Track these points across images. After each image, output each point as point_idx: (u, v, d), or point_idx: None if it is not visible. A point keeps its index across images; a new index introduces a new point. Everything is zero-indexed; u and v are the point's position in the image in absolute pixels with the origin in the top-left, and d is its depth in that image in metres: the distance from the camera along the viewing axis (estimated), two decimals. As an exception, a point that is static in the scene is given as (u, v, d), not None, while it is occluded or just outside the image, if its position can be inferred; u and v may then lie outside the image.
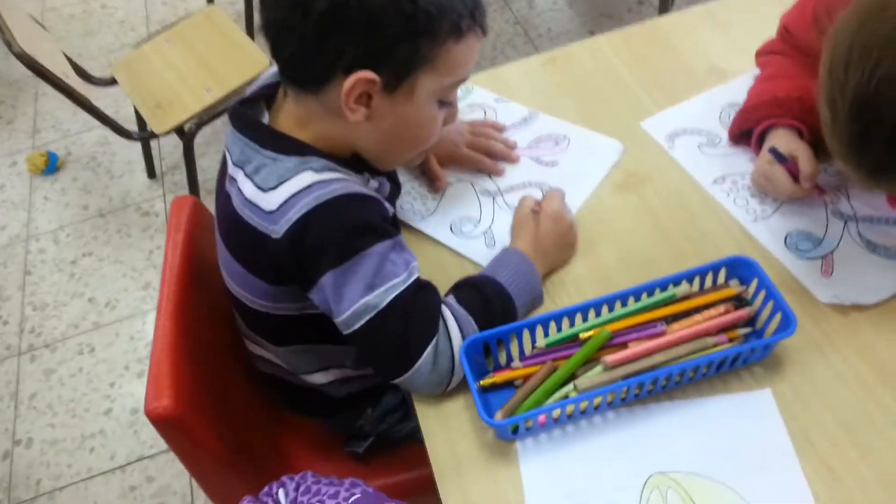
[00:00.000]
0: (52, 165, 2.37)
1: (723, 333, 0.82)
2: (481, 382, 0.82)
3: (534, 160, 1.08)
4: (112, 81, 1.99)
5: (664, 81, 1.15)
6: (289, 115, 0.87)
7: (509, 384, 0.83)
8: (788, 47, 1.05)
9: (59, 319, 2.02)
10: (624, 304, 0.84)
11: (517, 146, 1.10)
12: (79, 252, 2.17)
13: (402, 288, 0.82)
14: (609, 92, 1.15)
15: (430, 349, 0.81)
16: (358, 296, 0.81)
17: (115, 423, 1.78)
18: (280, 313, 0.92)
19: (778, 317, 0.81)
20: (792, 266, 0.90)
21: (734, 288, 0.85)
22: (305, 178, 0.81)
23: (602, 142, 1.08)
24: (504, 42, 2.55)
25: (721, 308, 0.83)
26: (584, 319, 0.84)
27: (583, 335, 0.82)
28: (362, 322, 0.81)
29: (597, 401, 0.78)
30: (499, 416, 0.78)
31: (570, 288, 0.93)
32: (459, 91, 1.09)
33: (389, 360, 0.83)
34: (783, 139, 0.96)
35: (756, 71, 1.10)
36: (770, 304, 0.82)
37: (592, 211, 1.01)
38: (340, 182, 0.82)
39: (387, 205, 0.87)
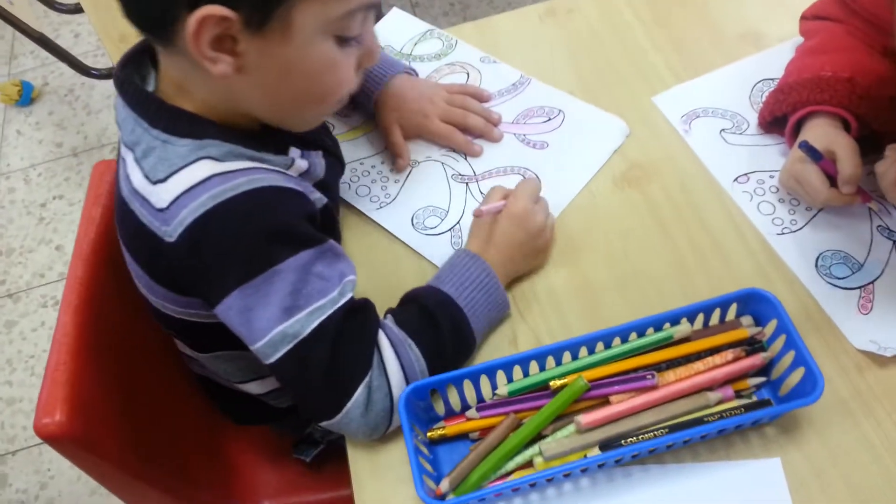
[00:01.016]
0: (26, 96, 2.20)
1: (728, 385, 0.66)
2: (429, 434, 0.67)
3: (519, 139, 0.90)
4: (78, 9, 1.80)
5: (686, 46, 0.95)
6: (167, 78, 0.68)
7: (464, 437, 0.68)
8: (845, 11, 0.85)
9: (24, 267, 1.89)
10: (607, 346, 0.67)
11: (501, 121, 0.92)
12: (49, 194, 2.02)
13: (331, 311, 0.65)
14: (618, 55, 0.96)
15: (361, 388, 0.66)
16: (272, 322, 0.64)
17: (74, 385, 1.67)
18: (194, 319, 0.75)
19: (800, 372, 0.64)
20: (821, 296, 0.73)
21: (747, 329, 0.68)
22: (201, 168, 0.63)
23: (603, 120, 0.90)
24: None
25: (728, 354, 0.67)
26: (558, 362, 0.67)
27: (554, 383, 0.66)
28: (280, 354, 0.65)
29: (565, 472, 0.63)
30: (444, 484, 0.63)
31: (544, 304, 0.76)
32: (439, 45, 0.89)
33: (314, 400, 0.67)
34: (822, 130, 0.78)
35: (800, 39, 0.90)
36: (791, 354, 0.65)
37: (582, 208, 0.83)
38: (247, 174, 0.64)
39: (314, 196, 0.70)
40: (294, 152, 0.73)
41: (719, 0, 0.99)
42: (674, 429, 0.63)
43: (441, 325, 0.70)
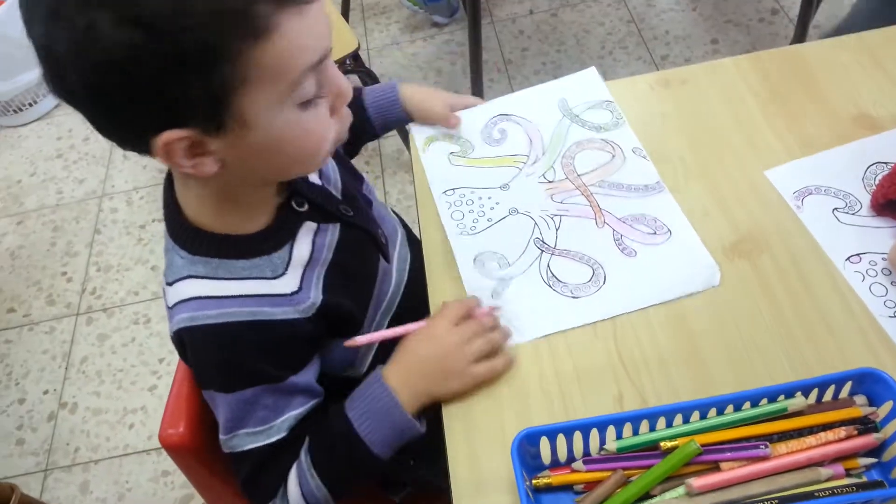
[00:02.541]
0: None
1: (839, 463, 0.66)
2: (533, 481, 0.68)
3: (615, 238, 0.89)
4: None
5: (800, 124, 0.97)
6: (177, 175, 0.74)
7: (568, 488, 0.69)
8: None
9: (119, 284, 1.98)
10: (720, 412, 0.68)
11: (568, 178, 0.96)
12: (149, 217, 2.13)
13: (263, 443, 0.75)
14: (731, 127, 0.98)
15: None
16: (221, 427, 0.76)
17: (157, 401, 1.73)
18: None
19: (916, 457, 0.64)
20: (938, 384, 0.73)
21: (860, 408, 0.68)
22: (186, 288, 0.72)
23: (702, 261, 0.85)
24: (614, 42, 2.35)
25: (841, 431, 0.67)
26: (668, 424, 0.69)
27: (664, 444, 0.67)
28: (223, 449, 0.77)
29: (672, 531, 0.64)
30: (549, 532, 0.64)
31: (653, 370, 0.78)
32: (608, 118, 0.99)
33: (238, 488, 0.79)
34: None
35: (916, 126, 0.91)
36: (907, 439, 0.65)
37: (693, 276, 0.85)
38: (222, 305, 0.71)
39: (307, 304, 0.76)
40: (304, 235, 0.77)
41: (835, 81, 1.01)
42: (784, 500, 0.63)
43: (341, 459, 0.76)
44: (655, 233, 0.89)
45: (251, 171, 0.68)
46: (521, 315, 0.83)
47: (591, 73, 1.08)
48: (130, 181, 2.22)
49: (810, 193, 0.90)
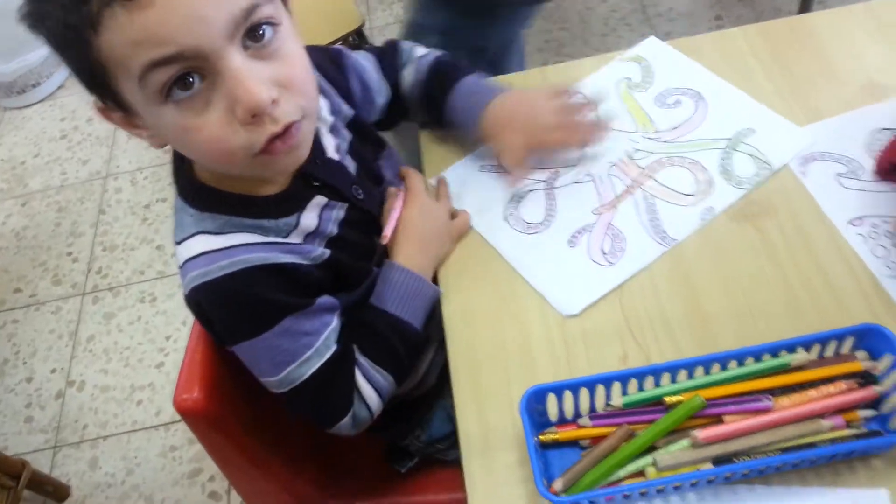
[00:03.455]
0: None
1: (839, 415, 0.68)
2: (541, 437, 0.70)
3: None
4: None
5: (807, 93, 0.97)
6: None
7: (574, 443, 0.71)
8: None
9: (125, 263, 1.99)
10: (724, 368, 0.70)
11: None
12: (153, 196, 2.14)
13: (318, 364, 0.77)
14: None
15: (347, 418, 0.81)
16: (268, 373, 0.77)
17: (165, 378, 1.75)
18: None
19: (916, 408, 0.65)
20: (937, 340, 0.74)
21: (861, 362, 0.69)
22: (196, 244, 0.73)
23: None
24: (618, 19, 2.35)
25: (842, 384, 0.68)
26: (673, 381, 0.70)
27: (669, 399, 0.68)
28: (280, 392, 0.78)
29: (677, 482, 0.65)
30: (558, 484, 0.65)
31: (658, 330, 0.79)
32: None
33: (310, 420, 0.82)
34: (944, 181, 0.79)
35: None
36: (906, 391, 0.66)
37: (697, 239, 0.86)
38: (231, 254, 0.72)
39: (314, 254, 0.78)
40: (312, 207, 0.79)
41: (843, 50, 1.01)
42: (786, 451, 0.65)
43: (396, 347, 0.82)
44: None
45: (196, 158, 0.73)
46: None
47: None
48: (134, 161, 2.23)
49: (815, 160, 0.91)
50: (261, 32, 0.64)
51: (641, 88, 1.01)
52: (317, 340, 0.76)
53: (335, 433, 0.82)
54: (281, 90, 0.65)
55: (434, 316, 0.85)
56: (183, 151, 0.72)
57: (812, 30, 1.05)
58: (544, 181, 0.94)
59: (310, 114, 0.70)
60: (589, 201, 0.91)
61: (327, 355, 0.77)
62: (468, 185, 0.95)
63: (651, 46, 1.06)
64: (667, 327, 0.79)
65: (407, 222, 0.86)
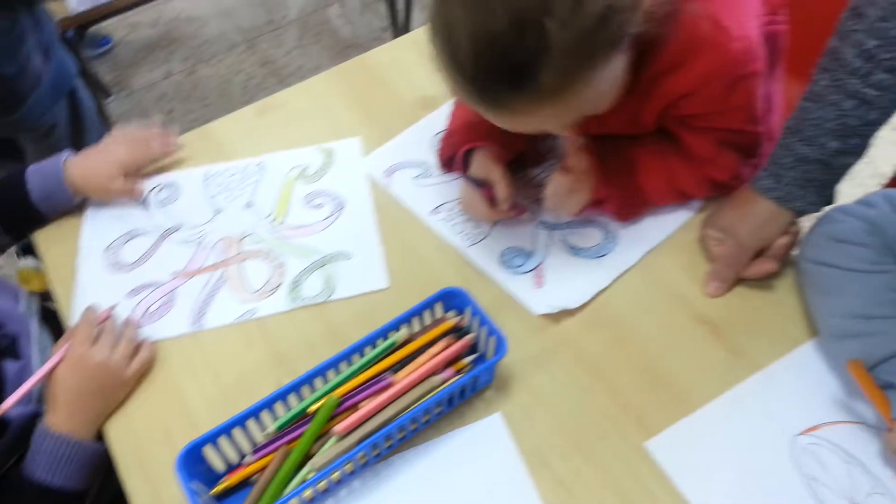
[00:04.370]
0: None
1: (450, 367, 0.83)
2: (211, 492, 0.76)
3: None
4: None
5: (379, 116, 1.16)
6: None
7: (248, 483, 0.78)
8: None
9: None
10: (350, 363, 0.82)
11: None
12: None
13: None
14: (328, 136, 1.14)
15: None
16: None
17: None
18: None
19: (493, 340, 0.81)
20: (508, 284, 0.93)
21: (452, 320, 0.85)
22: None
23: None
24: (254, 86, 2.49)
25: (443, 343, 0.83)
26: (313, 390, 0.81)
27: (312, 408, 0.79)
28: None
29: (335, 475, 0.76)
30: (232, 522, 0.73)
31: (304, 352, 0.89)
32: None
33: None
34: (481, 163, 0.97)
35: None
36: (484, 330, 0.83)
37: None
38: None
39: None
40: None
41: (400, 75, 1.22)
42: (411, 411, 0.78)
43: None
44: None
45: None
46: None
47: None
48: None
49: (396, 170, 1.08)
50: None
51: (311, 180, 1.09)
52: None
53: None
54: None
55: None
56: None
57: (376, 63, 1.25)
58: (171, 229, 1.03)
59: None
60: (180, 262, 1.00)
61: None
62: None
63: (347, 145, 1.13)
64: (312, 350, 0.89)
65: (59, 381, 0.83)
